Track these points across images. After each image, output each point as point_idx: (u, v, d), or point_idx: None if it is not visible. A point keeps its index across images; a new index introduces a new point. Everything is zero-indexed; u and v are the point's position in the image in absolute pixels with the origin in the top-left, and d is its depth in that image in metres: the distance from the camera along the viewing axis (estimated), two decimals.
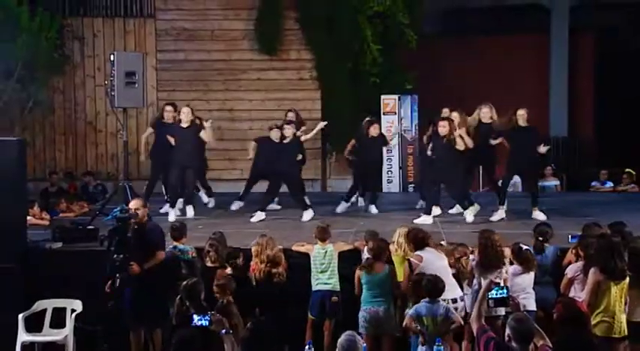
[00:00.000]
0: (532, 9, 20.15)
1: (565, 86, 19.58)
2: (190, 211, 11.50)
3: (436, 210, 11.12)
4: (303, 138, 11.64)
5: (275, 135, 11.51)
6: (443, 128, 10.84)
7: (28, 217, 10.13)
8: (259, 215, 11.15)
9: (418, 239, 8.06)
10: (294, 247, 8.72)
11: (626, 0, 20.18)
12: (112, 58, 11.07)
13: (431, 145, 11.34)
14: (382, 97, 15.55)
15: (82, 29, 15.96)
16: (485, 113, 11.40)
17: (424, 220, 10.70)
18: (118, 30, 15.99)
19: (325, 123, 12.50)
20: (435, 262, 7.79)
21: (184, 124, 11.25)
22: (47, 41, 14.41)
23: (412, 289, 7.50)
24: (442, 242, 8.72)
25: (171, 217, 10.80)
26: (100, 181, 14.97)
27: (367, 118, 12.11)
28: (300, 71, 15.86)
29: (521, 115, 11.01)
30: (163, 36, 15.97)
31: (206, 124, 11.44)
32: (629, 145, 17.98)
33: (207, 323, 5.84)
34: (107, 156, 16.08)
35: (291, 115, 12.26)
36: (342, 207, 11.89)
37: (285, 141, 11.37)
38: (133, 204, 8.19)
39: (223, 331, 5.68)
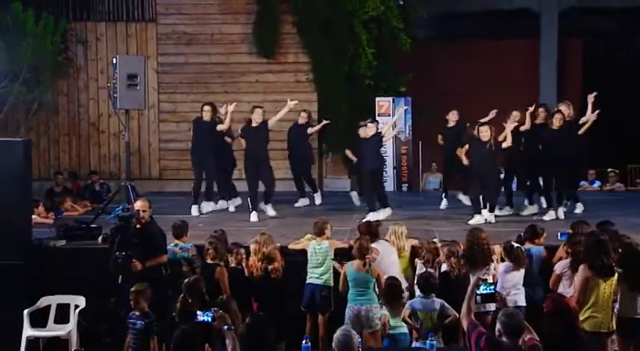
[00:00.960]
0: (522, 14, 20.17)
1: (554, 89, 19.57)
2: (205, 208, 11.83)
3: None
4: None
5: None
6: (485, 133, 10.74)
7: (33, 216, 10.12)
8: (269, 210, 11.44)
9: (371, 231, 8.20)
10: (291, 246, 8.74)
11: (613, 5, 20.23)
12: (114, 61, 11.07)
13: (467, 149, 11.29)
14: (377, 99, 15.59)
15: (85, 33, 15.98)
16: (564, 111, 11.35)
17: (478, 220, 10.65)
18: (120, 34, 15.99)
19: (328, 122, 12.57)
20: (389, 255, 7.99)
21: (255, 124, 11.44)
22: (52, 45, 14.41)
23: (385, 292, 7.49)
24: (434, 239, 8.74)
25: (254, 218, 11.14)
26: (103, 180, 14.94)
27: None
28: (297, 74, 15.87)
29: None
30: (164, 40, 15.97)
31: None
32: (616, 146, 18.01)
33: (211, 319, 5.84)
34: (110, 156, 16.08)
35: (304, 115, 12.29)
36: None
37: None
38: (139, 205, 8.15)
39: (225, 327, 5.68)
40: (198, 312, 5.94)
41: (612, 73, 19.83)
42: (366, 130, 11.43)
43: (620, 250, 7.30)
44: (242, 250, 8.23)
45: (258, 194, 11.46)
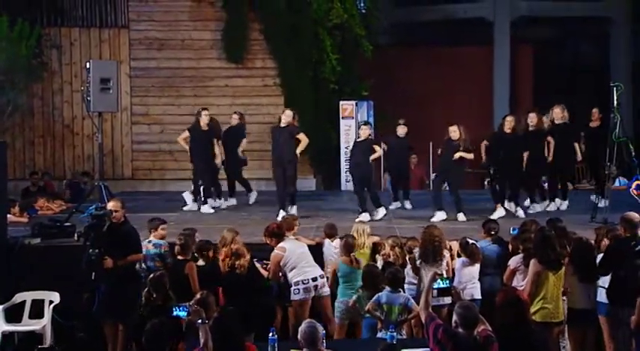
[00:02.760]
0: (477, 23, 20.39)
1: (507, 94, 19.80)
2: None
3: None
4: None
5: None
6: (454, 133, 10.71)
7: (8, 216, 9.97)
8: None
9: (275, 232, 8.20)
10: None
11: (560, 14, 20.53)
12: (87, 66, 10.92)
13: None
14: (341, 102, 15.59)
15: (59, 38, 15.75)
16: (557, 114, 11.44)
17: (439, 217, 10.66)
18: (93, 39, 15.81)
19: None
20: (296, 250, 8.03)
21: (283, 125, 11.25)
22: (26, 49, 14.16)
23: (366, 280, 7.49)
24: (396, 235, 8.78)
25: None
26: (77, 180, 14.74)
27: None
28: (264, 78, 15.82)
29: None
30: (136, 45, 15.83)
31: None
32: None
33: (186, 314, 5.80)
34: (84, 157, 15.88)
35: (288, 114, 11.79)
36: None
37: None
38: (112, 205, 8.07)
39: (199, 321, 5.64)
40: (174, 307, 5.90)
41: (560, 77, 20.13)
42: (359, 132, 11.42)
43: (570, 245, 7.39)
44: (211, 247, 8.20)
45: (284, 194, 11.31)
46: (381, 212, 10.99)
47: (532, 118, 11.28)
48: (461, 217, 10.69)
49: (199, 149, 11.74)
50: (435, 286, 5.95)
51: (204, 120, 11.74)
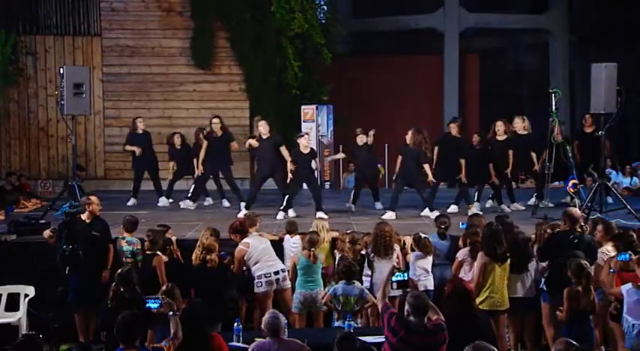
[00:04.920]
0: (428, 33, 20.53)
1: (456, 100, 19.96)
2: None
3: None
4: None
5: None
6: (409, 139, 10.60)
7: None
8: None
9: (238, 229, 8.23)
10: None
11: (504, 26, 20.81)
12: (61, 72, 10.74)
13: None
14: (302, 106, 15.58)
15: (35, 46, 15.47)
16: (517, 124, 11.25)
17: (389, 215, 10.54)
18: (67, 46, 15.56)
19: None
20: (259, 245, 8.05)
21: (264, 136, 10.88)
22: (3, 56, 13.99)
23: (341, 271, 7.44)
24: (353, 230, 8.80)
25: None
26: (52, 180, 14.54)
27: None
28: (230, 84, 15.74)
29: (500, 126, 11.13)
30: (108, 52, 15.62)
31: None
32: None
33: (158, 306, 5.75)
34: (58, 158, 15.63)
35: (262, 124, 11.13)
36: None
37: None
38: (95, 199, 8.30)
39: (171, 312, 5.59)
40: (148, 300, 5.85)
41: (504, 83, 20.39)
42: (363, 138, 11.31)
43: (512, 241, 7.49)
44: (174, 243, 8.19)
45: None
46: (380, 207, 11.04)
47: (499, 126, 11.16)
48: (427, 212, 10.68)
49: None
50: (394, 278, 5.98)
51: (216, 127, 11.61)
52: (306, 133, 11.61)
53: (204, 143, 11.61)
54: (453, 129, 11.23)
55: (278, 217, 10.57)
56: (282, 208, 10.74)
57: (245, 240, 8.10)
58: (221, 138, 11.69)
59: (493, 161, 11.05)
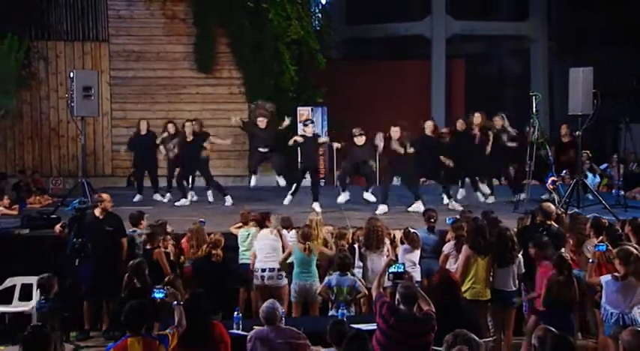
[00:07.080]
0: (417, 39, 20.56)
1: (443, 103, 19.99)
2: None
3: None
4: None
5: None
6: (395, 133, 10.44)
7: (0, 208, 9.77)
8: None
9: (257, 219, 8.32)
10: (232, 229, 8.67)
11: (488, 33, 20.85)
12: (71, 75, 10.73)
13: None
14: (298, 108, 15.58)
15: (46, 51, 15.47)
16: (497, 122, 11.10)
17: (382, 209, 10.42)
18: (77, 52, 15.56)
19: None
20: (260, 240, 8.06)
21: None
22: (16, 61, 13.96)
23: (337, 263, 7.40)
24: (343, 226, 8.80)
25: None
26: (63, 178, 14.52)
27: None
28: (231, 87, 15.74)
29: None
30: (116, 57, 15.62)
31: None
32: None
33: (164, 296, 5.74)
34: (68, 157, 15.63)
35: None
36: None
37: None
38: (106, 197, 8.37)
39: (175, 302, 5.59)
40: (155, 290, 5.85)
41: (488, 87, 20.42)
42: (360, 139, 10.84)
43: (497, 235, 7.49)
44: (169, 237, 8.17)
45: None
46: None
47: (477, 118, 11.03)
48: (418, 205, 10.46)
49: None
50: (391, 270, 5.97)
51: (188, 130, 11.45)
52: (311, 121, 11.46)
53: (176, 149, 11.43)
54: (428, 128, 11.05)
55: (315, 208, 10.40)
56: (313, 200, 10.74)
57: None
58: (192, 142, 11.35)
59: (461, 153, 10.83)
